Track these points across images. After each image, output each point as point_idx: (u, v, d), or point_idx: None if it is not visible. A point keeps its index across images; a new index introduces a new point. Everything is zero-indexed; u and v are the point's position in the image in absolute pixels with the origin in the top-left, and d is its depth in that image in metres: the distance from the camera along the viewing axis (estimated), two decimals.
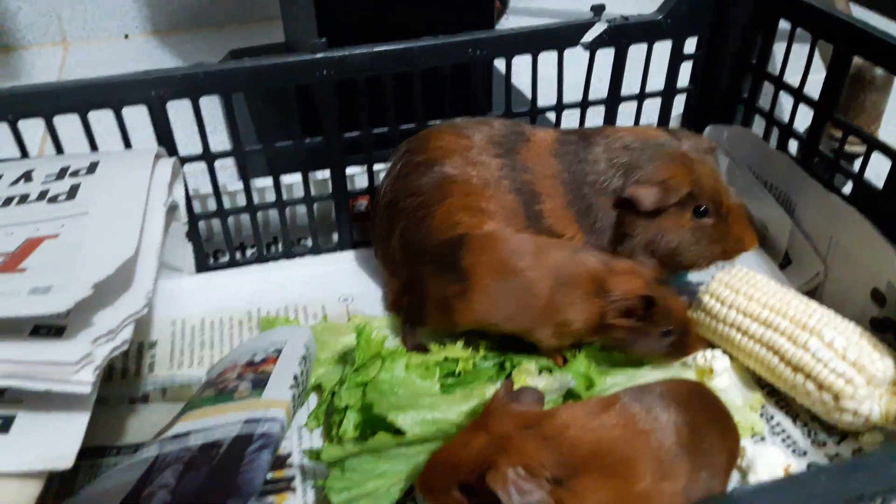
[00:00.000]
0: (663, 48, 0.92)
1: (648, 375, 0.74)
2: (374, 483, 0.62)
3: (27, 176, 0.70)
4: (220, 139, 1.21)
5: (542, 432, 0.52)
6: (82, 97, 0.76)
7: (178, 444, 0.56)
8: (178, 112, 0.81)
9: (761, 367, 0.74)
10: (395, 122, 0.87)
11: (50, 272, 0.55)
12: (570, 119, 0.95)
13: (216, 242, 0.94)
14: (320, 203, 0.92)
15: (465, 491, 0.52)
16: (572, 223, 0.77)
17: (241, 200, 0.90)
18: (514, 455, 0.50)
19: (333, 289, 0.89)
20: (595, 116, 0.95)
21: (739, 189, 0.82)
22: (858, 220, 0.78)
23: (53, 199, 0.66)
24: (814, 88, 0.85)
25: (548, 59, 0.88)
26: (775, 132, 0.92)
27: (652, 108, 0.98)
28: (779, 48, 0.90)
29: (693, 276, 0.87)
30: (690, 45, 0.94)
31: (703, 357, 0.76)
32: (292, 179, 0.92)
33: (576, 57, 0.89)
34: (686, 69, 0.96)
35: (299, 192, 0.91)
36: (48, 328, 0.52)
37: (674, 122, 1.01)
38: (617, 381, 0.73)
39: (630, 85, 0.94)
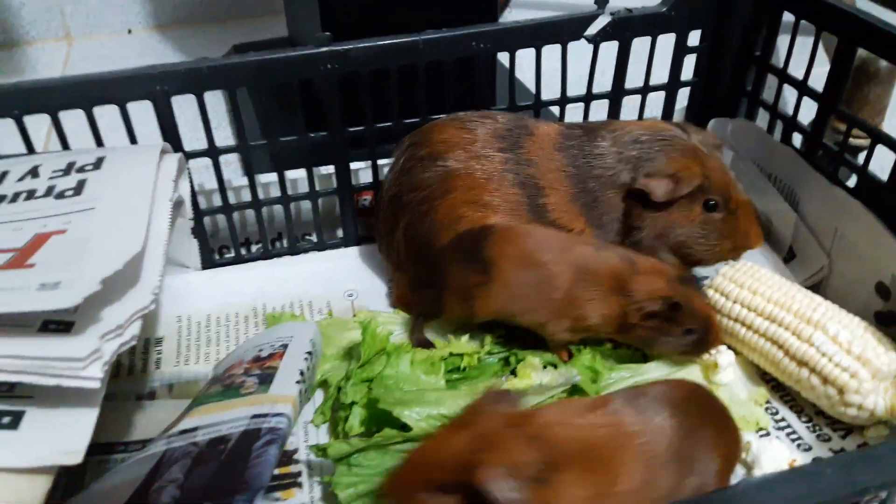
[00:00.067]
0: (667, 41, 0.92)
1: (653, 371, 0.74)
2: (380, 479, 0.62)
3: (34, 172, 0.71)
4: (223, 135, 1.21)
5: (528, 430, 0.51)
6: (87, 92, 0.76)
7: (185, 439, 0.56)
8: (182, 108, 0.81)
9: (766, 362, 0.74)
10: (399, 116, 0.88)
11: (58, 268, 0.55)
12: (573, 113, 0.95)
13: (221, 238, 0.94)
14: (325, 198, 0.92)
15: (446, 491, 0.49)
16: (578, 217, 0.77)
17: (246, 196, 0.90)
18: (501, 453, 0.49)
19: (338, 284, 0.90)
20: (599, 110, 0.95)
21: (743, 182, 0.82)
22: (863, 214, 0.78)
23: (60, 195, 0.66)
24: (818, 81, 0.85)
25: (551, 52, 0.88)
26: (779, 125, 0.92)
27: (656, 101, 0.98)
28: (783, 41, 0.90)
29: (697, 271, 0.87)
30: (694, 38, 0.94)
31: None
32: (296, 175, 0.92)
33: (579, 50, 0.89)
34: (690, 62, 0.96)
35: (304, 188, 0.91)
36: (57, 324, 0.52)
37: (677, 115, 1.01)
38: (622, 375, 0.74)
39: (634, 78, 0.94)
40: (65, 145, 0.80)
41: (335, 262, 0.93)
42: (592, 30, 0.88)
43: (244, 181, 0.90)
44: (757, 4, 0.90)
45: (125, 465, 0.57)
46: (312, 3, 1.01)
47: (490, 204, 0.77)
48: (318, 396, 0.75)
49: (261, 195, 0.89)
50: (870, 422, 0.69)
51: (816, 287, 0.84)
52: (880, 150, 0.78)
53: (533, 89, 0.92)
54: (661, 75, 0.95)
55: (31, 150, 0.79)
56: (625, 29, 0.89)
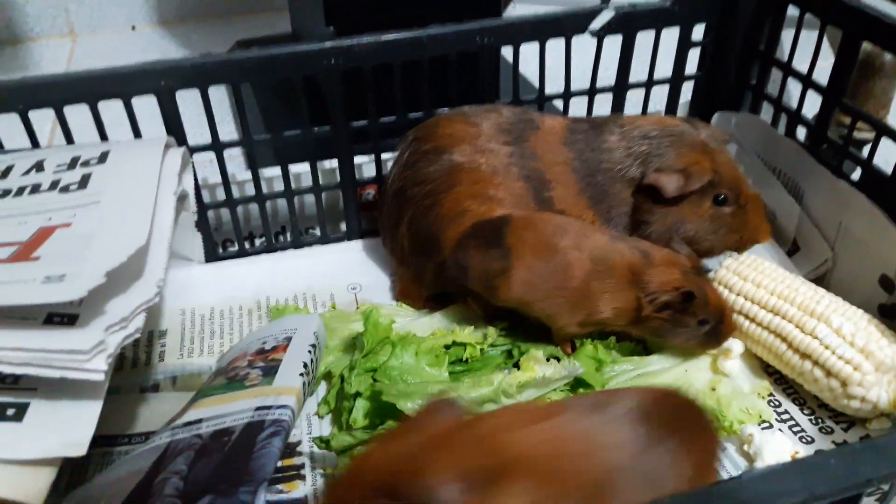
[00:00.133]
0: (671, 35, 0.92)
1: (657, 363, 0.74)
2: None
3: (39, 166, 0.71)
4: (226, 129, 1.21)
5: (474, 436, 0.47)
6: (92, 87, 0.76)
7: (189, 431, 0.56)
8: (186, 103, 0.81)
9: (769, 354, 0.74)
10: (403, 110, 0.88)
11: (63, 260, 0.55)
12: (577, 106, 0.94)
13: (225, 232, 0.95)
14: (328, 192, 0.92)
15: (390, 498, 0.46)
16: (586, 209, 0.77)
17: (250, 190, 0.90)
18: (444, 459, 0.46)
19: (342, 278, 0.90)
20: (603, 104, 0.95)
21: (748, 176, 0.82)
22: (867, 207, 0.78)
23: (65, 189, 0.67)
24: (822, 75, 0.85)
25: (555, 46, 0.88)
26: (784, 119, 0.92)
27: (659, 95, 0.98)
28: (787, 35, 0.89)
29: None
30: (698, 32, 0.94)
31: None
32: (300, 169, 0.92)
33: (583, 44, 0.89)
34: (694, 56, 0.96)
35: (307, 182, 0.91)
36: (61, 316, 0.52)
37: (681, 109, 1.01)
38: (624, 368, 0.74)
39: (637, 72, 0.94)
40: (69, 140, 0.80)
41: (339, 256, 0.93)
42: (596, 24, 0.88)
43: (248, 175, 0.90)
44: None
45: (129, 457, 0.58)
46: None
47: (495, 197, 0.77)
48: (322, 389, 0.75)
49: (264, 189, 0.90)
50: (872, 414, 0.69)
51: (820, 280, 0.83)
52: (885, 143, 0.78)
53: (536, 84, 0.92)
54: (664, 69, 0.95)
55: (35, 144, 0.79)
56: (629, 23, 0.89)
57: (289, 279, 0.89)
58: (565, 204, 0.77)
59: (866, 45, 0.80)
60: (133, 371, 0.77)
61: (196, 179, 0.85)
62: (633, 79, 0.94)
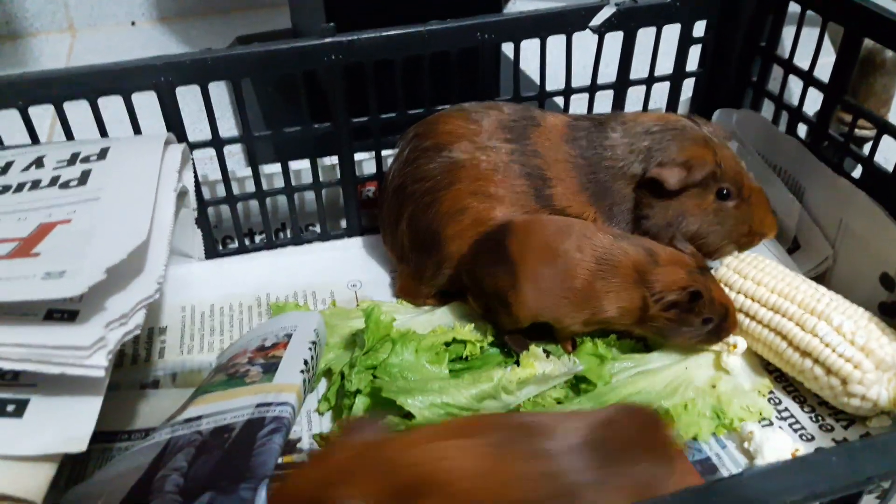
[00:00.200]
0: (672, 32, 0.92)
1: (657, 360, 0.74)
2: None
3: (39, 162, 0.71)
4: (227, 125, 1.21)
5: (384, 455, 0.46)
6: (92, 83, 0.76)
7: (190, 428, 0.56)
8: (185, 99, 0.81)
9: (769, 352, 0.74)
10: (404, 107, 0.87)
11: (63, 257, 0.55)
12: (577, 103, 0.94)
13: (225, 229, 0.95)
14: (328, 189, 0.92)
15: None
16: (587, 206, 0.77)
17: (250, 186, 0.90)
18: (353, 485, 0.44)
19: (342, 275, 0.90)
20: (603, 101, 0.95)
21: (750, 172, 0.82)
22: (868, 205, 0.78)
23: (65, 185, 0.67)
24: (823, 72, 0.85)
25: (556, 43, 0.88)
26: (784, 116, 0.92)
27: (660, 92, 0.98)
28: (788, 31, 0.89)
29: None
30: (699, 29, 0.94)
31: None
32: (300, 165, 0.92)
33: (584, 41, 0.89)
34: (695, 53, 0.96)
35: (307, 178, 0.91)
36: (61, 312, 0.52)
37: (682, 106, 1.01)
38: (624, 366, 0.74)
39: (638, 69, 0.93)
40: (69, 136, 0.80)
41: (339, 253, 0.93)
42: (597, 20, 0.88)
43: (248, 172, 0.90)
44: None
45: (129, 453, 0.58)
46: None
47: (496, 195, 0.77)
48: (322, 386, 0.75)
49: (265, 186, 0.90)
50: (873, 412, 0.69)
51: (821, 278, 0.83)
52: (886, 140, 0.78)
53: (537, 80, 0.92)
54: (666, 66, 0.95)
55: (35, 140, 0.79)
56: (630, 19, 0.89)
57: (289, 276, 0.89)
58: (566, 201, 0.77)
59: (867, 42, 0.80)
60: (133, 367, 0.77)
61: (196, 176, 0.85)
62: (633, 76, 0.94)
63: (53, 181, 0.67)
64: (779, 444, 0.67)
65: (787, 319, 0.72)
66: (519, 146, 0.78)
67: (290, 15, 1.36)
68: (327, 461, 0.47)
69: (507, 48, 0.89)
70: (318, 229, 0.96)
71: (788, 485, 0.42)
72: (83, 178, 0.67)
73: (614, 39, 0.90)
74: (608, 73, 0.93)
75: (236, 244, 0.94)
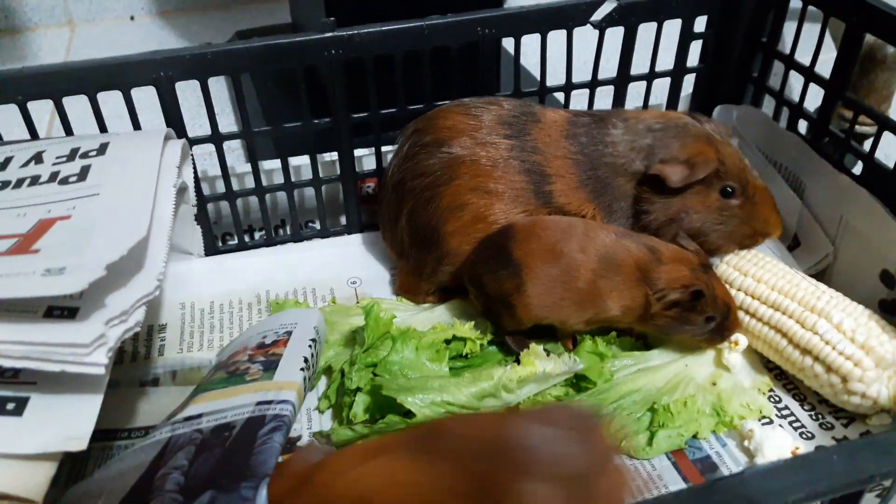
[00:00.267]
0: (673, 27, 0.92)
1: (657, 358, 0.74)
2: None
3: (38, 157, 0.70)
4: (226, 121, 1.20)
5: (316, 481, 0.44)
6: (91, 78, 0.76)
7: (190, 426, 0.56)
8: (184, 94, 0.80)
9: (769, 350, 0.74)
10: (404, 102, 0.87)
11: (63, 253, 0.55)
12: (578, 99, 0.94)
13: (224, 225, 0.94)
14: (328, 185, 0.92)
15: None
16: (586, 203, 0.77)
17: (250, 183, 0.90)
18: None
19: (342, 271, 0.90)
20: (604, 96, 0.95)
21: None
22: (869, 201, 0.78)
23: (65, 181, 0.66)
24: (824, 68, 0.84)
25: (556, 38, 0.88)
26: (785, 112, 0.92)
27: (661, 87, 0.98)
28: (789, 27, 0.89)
29: None
30: (700, 24, 0.93)
31: None
32: (300, 161, 0.92)
33: (585, 36, 0.89)
34: (696, 48, 0.96)
35: (307, 174, 0.91)
36: (61, 309, 0.52)
37: (683, 101, 1.01)
38: (625, 363, 0.74)
39: (639, 64, 0.93)
40: (68, 131, 0.79)
41: (339, 250, 0.93)
42: (598, 15, 0.88)
43: (247, 168, 0.89)
44: None
45: (130, 451, 0.57)
46: None
47: (495, 191, 0.76)
48: (322, 384, 0.75)
49: (264, 182, 0.89)
50: (873, 410, 0.69)
51: (821, 275, 0.83)
52: (887, 137, 0.78)
53: (537, 75, 0.92)
54: (666, 61, 0.95)
55: (34, 135, 0.79)
56: (631, 14, 0.89)
57: (289, 273, 0.89)
58: (565, 198, 0.77)
59: (868, 38, 0.79)
60: (133, 365, 0.77)
61: (196, 172, 0.85)
62: (634, 71, 0.94)
63: (53, 177, 0.67)
64: (779, 442, 0.67)
65: (788, 317, 0.72)
66: (519, 142, 0.77)
67: (289, 9, 1.35)
68: (272, 489, 0.46)
69: (508, 43, 0.89)
70: (317, 226, 0.96)
71: (790, 483, 0.42)
72: (83, 174, 0.67)
73: (615, 35, 0.90)
74: (609, 68, 0.93)
75: (236, 241, 0.93)
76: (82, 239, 0.57)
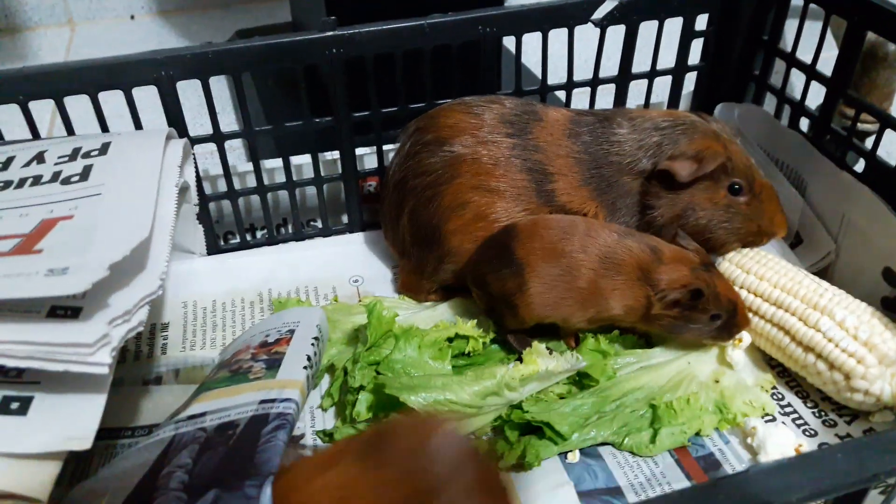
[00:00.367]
0: (674, 25, 0.92)
1: (659, 355, 0.74)
2: None
3: (40, 157, 0.70)
4: (226, 120, 1.20)
5: (276, 494, 0.45)
6: (93, 78, 0.76)
7: (194, 424, 0.56)
8: (185, 93, 0.80)
9: (772, 347, 0.74)
10: (405, 101, 0.87)
11: (66, 253, 0.55)
12: (579, 97, 0.94)
13: (226, 224, 0.94)
14: (330, 184, 0.92)
15: None
16: (589, 201, 0.77)
17: (251, 182, 0.90)
18: None
19: (344, 270, 0.90)
20: (605, 95, 0.95)
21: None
22: (871, 199, 0.78)
23: (67, 181, 0.66)
24: (826, 65, 0.84)
25: (557, 36, 0.88)
26: (787, 110, 0.92)
27: (662, 86, 0.98)
28: (791, 25, 0.89)
29: None
30: (702, 22, 0.93)
31: None
32: (301, 160, 0.92)
33: (586, 34, 0.89)
34: (697, 46, 0.95)
35: (309, 173, 0.91)
36: (64, 309, 0.52)
37: (684, 100, 1.01)
38: (627, 361, 0.74)
39: (640, 63, 0.93)
40: (69, 131, 0.79)
41: (340, 248, 0.93)
42: (599, 13, 0.87)
43: (249, 167, 0.89)
44: None
45: (134, 450, 0.58)
46: None
47: (497, 189, 0.76)
48: (325, 382, 0.75)
49: (266, 181, 0.89)
50: (876, 407, 0.69)
51: (823, 272, 0.83)
52: (889, 134, 0.78)
53: (538, 74, 0.92)
54: (667, 60, 0.95)
55: (35, 135, 0.78)
56: (632, 13, 0.89)
57: (291, 271, 0.89)
58: (567, 196, 0.77)
59: (870, 36, 0.79)
60: (136, 364, 0.77)
61: (197, 171, 0.85)
62: (635, 69, 0.94)
63: (55, 176, 0.67)
64: (782, 439, 0.67)
65: (790, 314, 0.72)
66: (520, 140, 0.77)
67: (289, 8, 1.35)
68: None
69: (509, 42, 0.89)
70: (319, 224, 0.96)
71: (794, 482, 0.42)
72: (85, 174, 0.67)
73: (616, 33, 0.90)
74: (610, 66, 0.93)
75: (238, 239, 0.93)
76: (85, 239, 0.57)
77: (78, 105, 0.77)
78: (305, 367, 0.63)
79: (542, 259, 0.71)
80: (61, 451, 0.51)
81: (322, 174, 0.90)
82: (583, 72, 0.92)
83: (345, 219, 0.96)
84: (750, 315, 0.74)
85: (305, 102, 0.84)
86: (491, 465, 0.45)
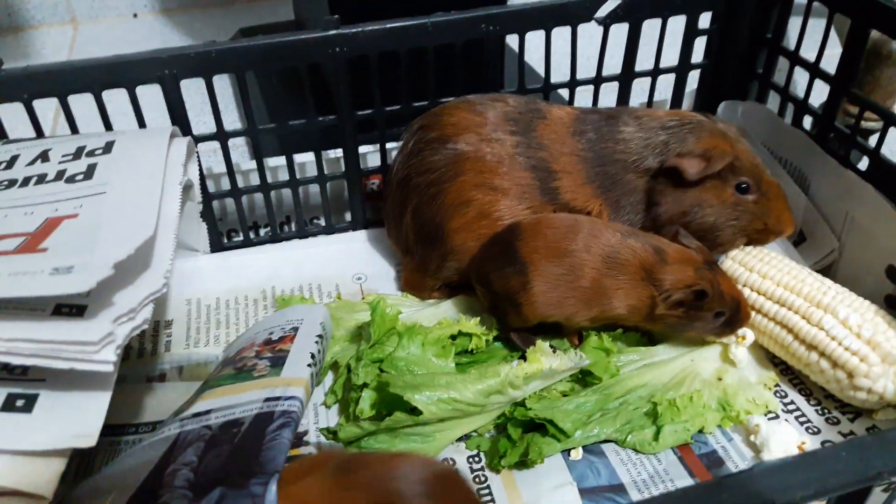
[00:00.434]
0: (678, 23, 0.92)
1: (662, 353, 0.74)
2: None
3: (44, 156, 0.71)
4: (229, 119, 1.20)
5: None
6: (97, 76, 0.76)
7: (199, 422, 0.56)
8: (188, 92, 0.80)
9: (775, 345, 0.74)
10: (408, 99, 0.87)
11: (71, 252, 0.55)
12: (582, 95, 0.94)
13: (230, 222, 0.95)
14: (333, 182, 0.92)
15: None
16: (593, 198, 0.77)
17: (255, 180, 0.90)
18: None
19: (347, 268, 0.90)
20: (608, 93, 0.94)
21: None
22: (874, 197, 0.78)
23: (71, 179, 0.66)
24: (830, 63, 0.84)
25: (560, 34, 0.88)
26: (790, 108, 0.92)
27: (665, 84, 0.98)
28: (794, 23, 0.89)
29: None
30: (705, 20, 0.93)
31: None
32: (305, 158, 0.92)
33: (589, 32, 0.89)
34: (700, 44, 0.95)
35: (312, 171, 0.91)
36: (70, 307, 0.52)
37: (687, 98, 1.01)
38: (631, 358, 0.74)
39: (643, 61, 0.93)
40: (73, 129, 0.80)
41: (344, 246, 0.93)
42: (603, 12, 0.87)
43: (252, 165, 0.90)
44: None
45: (139, 447, 0.58)
46: None
47: (500, 187, 0.76)
48: (329, 379, 0.75)
49: (269, 179, 0.89)
50: (879, 405, 0.69)
51: (826, 270, 0.83)
52: (892, 132, 0.78)
53: (541, 72, 0.92)
54: (671, 58, 0.95)
55: (39, 133, 0.79)
56: (635, 10, 0.89)
57: (294, 269, 0.89)
58: (572, 194, 0.77)
59: (874, 34, 0.79)
60: (140, 361, 0.77)
61: (201, 169, 0.85)
62: (639, 67, 0.94)
63: (59, 175, 0.67)
64: (785, 437, 0.67)
65: (793, 312, 0.72)
66: (524, 138, 0.77)
67: (292, 7, 1.35)
68: None
69: (512, 40, 0.89)
70: (322, 222, 0.96)
71: (798, 480, 0.42)
72: (89, 172, 0.67)
73: (619, 31, 0.90)
74: (613, 64, 0.92)
75: (241, 237, 0.94)
76: (90, 237, 0.57)
77: (81, 103, 0.78)
78: (309, 365, 0.63)
79: (545, 258, 0.71)
80: (66, 449, 0.51)
81: (325, 172, 0.90)
82: (586, 70, 0.92)
83: (348, 216, 0.96)
84: (753, 313, 0.74)
85: (309, 101, 0.84)
86: (468, 493, 0.46)
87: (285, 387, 0.58)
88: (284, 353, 0.64)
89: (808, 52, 0.87)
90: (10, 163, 0.70)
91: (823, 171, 0.85)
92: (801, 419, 0.71)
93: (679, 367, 0.73)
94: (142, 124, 0.80)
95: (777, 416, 0.71)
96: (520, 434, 0.68)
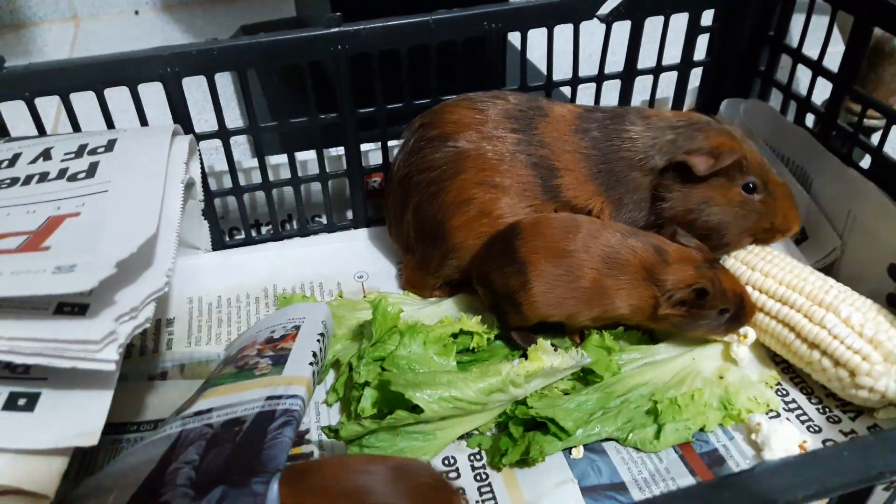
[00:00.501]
0: (680, 20, 0.91)
1: (664, 352, 0.74)
2: None
3: (46, 154, 0.71)
4: (231, 116, 1.20)
5: None
6: (99, 74, 0.76)
7: (200, 421, 0.56)
8: (190, 89, 0.80)
9: (777, 344, 0.74)
10: (410, 97, 0.87)
11: (73, 251, 0.55)
12: (584, 93, 0.94)
13: (232, 220, 0.95)
14: (335, 180, 0.92)
15: None
16: (595, 196, 0.77)
17: (256, 178, 0.90)
18: None
19: (349, 266, 0.90)
20: (610, 90, 0.94)
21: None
22: (877, 195, 0.78)
23: (73, 177, 0.66)
24: (832, 61, 0.84)
25: (562, 32, 0.88)
26: (793, 106, 0.92)
27: (667, 82, 0.97)
28: (797, 20, 0.89)
29: None
30: (707, 18, 0.93)
31: None
32: (306, 156, 0.92)
33: (591, 30, 0.89)
34: (703, 42, 0.95)
35: (314, 169, 0.91)
36: (72, 306, 0.52)
37: (690, 95, 1.00)
38: (632, 357, 0.74)
39: (646, 58, 0.93)
40: (75, 127, 0.80)
41: (345, 244, 0.93)
42: (605, 9, 0.87)
43: (254, 163, 0.90)
44: None
45: (141, 445, 0.58)
46: None
47: (501, 185, 0.76)
48: (330, 377, 0.75)
49: (271, 177, 0.89)
50: (880, 404, 0.69)
51: (829, 269, 0.83)
52: (895, 131, 0.77)
53: (543, 69, 0.91)
54: (673, 55, 0.94)
55: (41, 131, 0.79)
56: (637, 8, 0.88)
57: (296, 267, 0.89)
58: (574, 191, 0.77)
59: (877, 31, 0.79)
60: (141, 359, 0.78)
61: (202, 167, 0.85)
62: (641, 65, 0.94)
63: (61, 173, 0.67)
64: (786, 435, 0.67)
65: (795, 311, 0.72)
66: (525, 136, 0.77)
67: (294, 4, 1.35)
68: None
69: (514, 37, 0.89)
70: (324, 220, 0.96)
71: (800, 480, 0.42)
72: (91, 171, 0.67)
73: (622, 28, 0.90)
74: (615, 62, 0.92)
75: (243, 235, 0.94)
76: (92, 236, 0.57)
77: (83, 101, 0.78)
78: (311, 364, 0.63)
79: (544, 258, 0.71)
80: (68, 447, 0.51)
81: (327, 170, 0.90)
82: (588, 67, 0.92)
83: (349, 215, 0.96)
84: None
85: (311, 98, 0.84)
86: (429, 483, 0.47)
87: (287, 385, 0.58)
88: (286, 351, 0.64)
89: (811, 50, 0.87)
90: (13, 161, 0.70)
91: (826, 170, 0.85)
92: (803, 418, 0.71)
93: (680, 365, 0.73)
94: (144, 122, 0.80)
95: (778, 415, 0.71)
96: (521, 432, 0.68)
